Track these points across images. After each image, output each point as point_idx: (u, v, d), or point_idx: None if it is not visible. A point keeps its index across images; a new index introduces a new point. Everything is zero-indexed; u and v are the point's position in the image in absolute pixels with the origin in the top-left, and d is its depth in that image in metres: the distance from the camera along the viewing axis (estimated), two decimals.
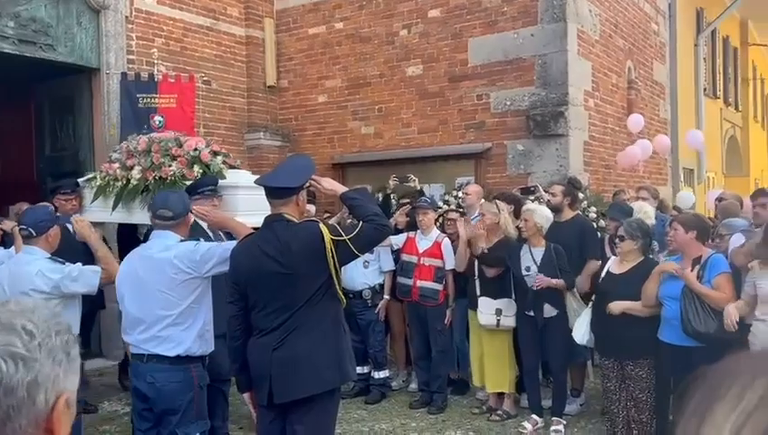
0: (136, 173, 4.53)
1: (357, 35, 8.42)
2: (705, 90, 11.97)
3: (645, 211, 5.62)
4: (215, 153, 4.60)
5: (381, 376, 5.83)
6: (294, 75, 8.95)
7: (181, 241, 3.30)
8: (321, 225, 2.95)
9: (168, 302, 3.19)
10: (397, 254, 5.76)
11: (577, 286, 5.04)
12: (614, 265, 4.49)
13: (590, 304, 4.60)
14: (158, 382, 3.20)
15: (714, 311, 3.98)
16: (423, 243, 5.56)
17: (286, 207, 3.01)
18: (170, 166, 4.44)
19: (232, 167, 4.69)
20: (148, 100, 6.95)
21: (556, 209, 5.31)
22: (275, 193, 3.01)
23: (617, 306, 4.21)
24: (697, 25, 11.79)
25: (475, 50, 7.63)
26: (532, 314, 4.87)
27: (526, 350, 5.04)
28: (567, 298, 4.84)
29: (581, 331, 4.51)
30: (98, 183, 4.75)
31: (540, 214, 4.98)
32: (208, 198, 4.08)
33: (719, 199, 6.21)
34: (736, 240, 4.40)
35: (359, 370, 5.93)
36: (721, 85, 13.79)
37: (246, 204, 4.35)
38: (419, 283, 5.49)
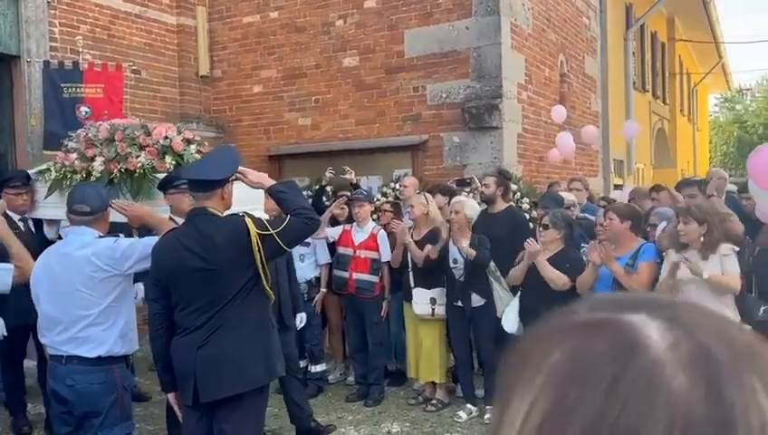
0: (98, 165, 4.08)
1: (292, 25, 8.30)
2: (634, 83, 12.34)
3: (572, 201, 5.78)
4: (188, 141, 4.20)
5: (318, 370, 5.79)
6: (228, 65, 8.76)
7: (100, 237, 3.17)
8: (247, 218, 2.88)
9: (88, 301, 3.06)
10: (333, 246, 5.72)
11: (510, 277, 5.12)
12: None
13: (518, 293, 4.69)
14: (79, 385, 3.07)
15: None
16: (359, 235, 5.54)
17: (210, 201, 2.93)
18: (138, 157, 4.01)
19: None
20: (74, 89, 6.67)
21: (489, 201, 5.37)
22: (199, 186, 2.93)
23: (547, 268, 4.32)
24: (627, 21, 12.14)
25: (412, 42, 7.64)
26: (460, 304, 4.94)
27: (457, 340, 5.12)
28: (494, 287, 4.92)
29: (510, 319, 4.58)
30: (53, 176, 4.30)
31: (469, 206, 5.06)
32: (182, 193, 3.67)
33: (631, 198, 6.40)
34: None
35: (312, 368, 5.90)
36: (650, 79, 14.25)
37: (240, 198, 4.01)
38: (355, 275, 5.47)
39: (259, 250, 2.83)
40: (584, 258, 4.45)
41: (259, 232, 2.83)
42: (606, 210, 4.68)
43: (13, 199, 4.65)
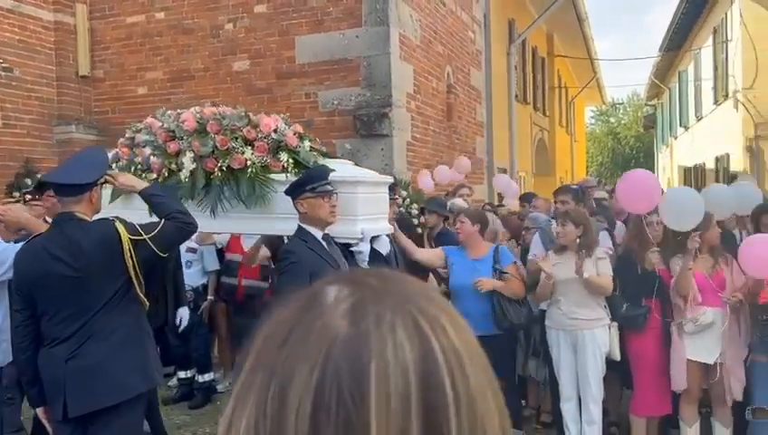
0: (188, 162, 3.42)
1: (179, 26, 8.10)
2: (516, 95, 12.96)
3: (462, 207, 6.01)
4: (300, 136, 3.53)
5: (206, 379, 5.67)
6: (111, 65, 8.41)
7: None
8: (118, 223, 2.80)
9: None
10: (221, 253, 5.63)
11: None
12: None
13: None
14: None
15: (518, 300, 4.39)
16: (248, 241, 5.47)
17: (78, 205, 2.80)
18: (243, 153, 3.37)
19: (324, 155, 3.70)
20: None
21: None
22: (66, 190, 2.80)
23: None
24: (509, 36, 12.75)
25: (303, 48, 7.66)
26: None
27: None
28: None
29: None
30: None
31: None
32: (322, 197, 3.20)
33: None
34: (536, 238, 4.84)
35: (182, 374, 5.75)
36: (531, 92, 15.02)
37: (366, 205, 3.52)
38: (245, 281, 5.41)
39: (131, 256, 2.74)
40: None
41: (131, 237, 2.74)
42: (457, 214, 4.91)
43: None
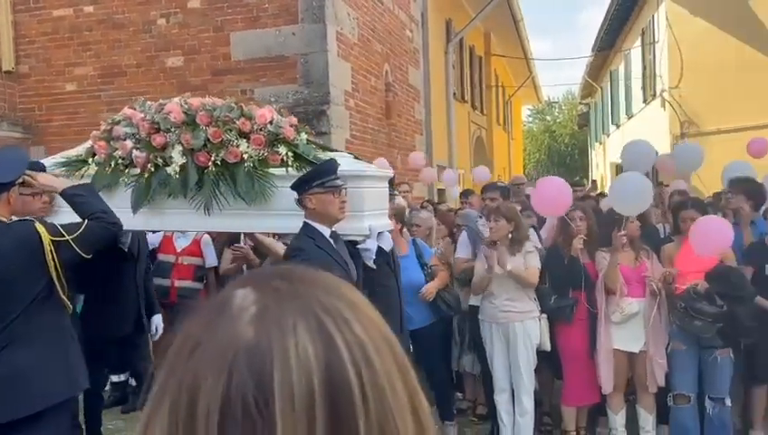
0: (177, 155, 3.18)
1: (110, 21, 7.87)
2: (454, 94, 13.13)
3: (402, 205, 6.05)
4: (296, 128, 3.34)
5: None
6: (37, 60, 8.10)
7: None
8: (38, 224, 2.71)
9: None
10: (153, 254, 5.50)
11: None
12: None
13: None
14: None
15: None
16: (181, 241, 5.38)
17: None
18: (238, 146, 3.17)
19: (323, 148, 3.51)
20: None
21: None
22: None
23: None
24: (447, 35, 12.90)
25: (238, 44, 7.56)
26: None
27: None
28: None
29: None
30: (91, 170, 3.35)
31: None
32: (332, 192, 3.04)
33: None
34: (463, 236, 4.94)
35: (114, 378, 5.60)
36: (469, 90, 15.24)
37: (373, 200, 3.35)
38: (178, 283, 5.31)
39: (53, 258, 2.66)
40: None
41: (52, 238, 2.66)
42: None
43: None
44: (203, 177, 3.21)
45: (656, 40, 14.17)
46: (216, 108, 3.29)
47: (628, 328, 4.30)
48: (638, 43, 15.94)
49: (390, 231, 3.77)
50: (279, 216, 3.27)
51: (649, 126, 15.02)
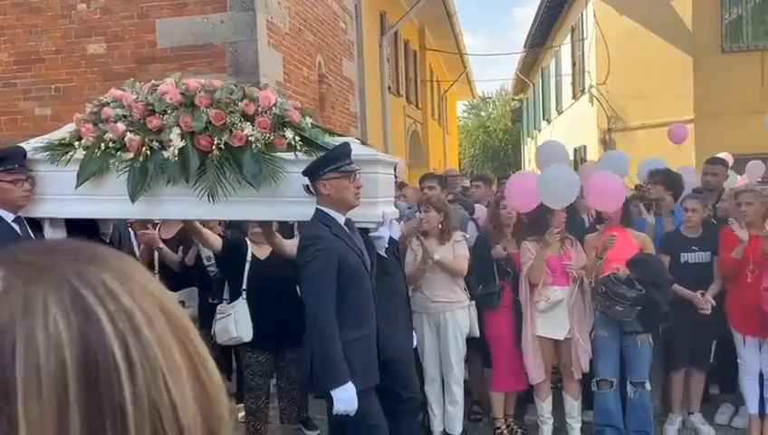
0: (176, 138, 2.99)
1: (26, 5, 7.48)
2: (389, 87, 13.14)
3: None
4: (301, 111, 3.21)
5: None
6: None
7: None
8: None
9: None
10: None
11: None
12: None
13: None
14: None
15: None
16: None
17: None
18: (243, 129, 3.01)
19: (328, 132, 3.36)
20: None
21: None
22: None
23: None
24: (381, 28, 12.88)
25: (164, 32, 7.32)
26: (216, 301, 4.84)
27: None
28: None
29: (247, 327, 4.10)
30: (79, 155, 3.11)
31: None
32: (347, 177, 2.92)
33: None
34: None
35: None
36: (404, 84, 15.28)
37: (385, 186, 3.23)
38: None
39: None
40: None
41: None
42: None
43: (7, 190, 3.14)
44: (205, 161, 3.04)
45: (584, 37, 14.56)
46: (216, 89, 3.14)
47: (554, 316, 4.37)
48: (568, 39, 16.35)
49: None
50: (288, 202, 3.15)
51: (578, 121, 15.44)
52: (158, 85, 3.26)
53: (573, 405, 4.54)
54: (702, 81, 11.61)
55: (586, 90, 14.46)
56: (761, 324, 4.32)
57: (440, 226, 4.39)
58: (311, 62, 9.02)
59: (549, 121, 20.36)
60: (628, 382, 4.39)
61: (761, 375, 4.45)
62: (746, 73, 11.34)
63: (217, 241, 4.08)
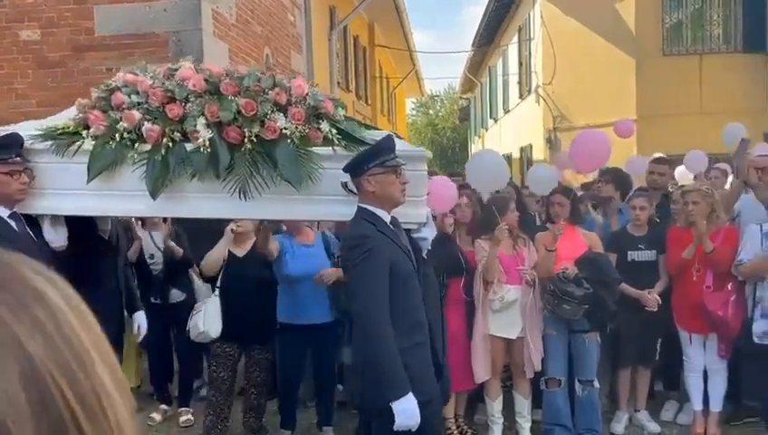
0: (202, 129, 2.72)
1: None
2: (339, 83, 12.99)
3: None
4: (334, 102, 2.96)
5: None
6: None
7: None
8: None
9: None
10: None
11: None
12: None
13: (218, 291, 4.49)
14: None
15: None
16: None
17: None
18: (276, 120, 2.75)
19: (366, 126, 3.14)
20: None
21: None
22: None
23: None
24: (331, 22, 12.72)
25: (103, 19, 7.00)
26: (158, 301, 4.66)
27: (155, 339, 4.79)
28: (194, 280, 4.74)
29: (215, 323, 4.07)
30: (89, 145, 2.82)
31: None
32: (393, 172, 2.71)
33: None
34: None
35: None
36: (353, 80, 15.15)
37: (427, 186, 3.06)
38: None
39: None
40: None
41: None
42: None
43: (3, 183, 2.87)
44: (235, 155, 2.79)
45: (531, 37, 14.72)
46: (244, 76, 2.89)
47: (507, 315, 4.34)
48: (516, 39, 16.51)
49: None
50: (327, 201, 2.94)
51: (525, 120, 15.62)
52: (175, 70, 2.99)
53: (524, 404, 4.51)
54: (644, 82, 11.89)
55: (533, 89, 14.64)
56: (705, 322, 4.38)
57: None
58: (258, 54, 8.80)
59: (496, 120, 20.56)
60: (576, 381, 4.39)
61: (704, 372, 4.53)
62: (686, 76, 11.67)
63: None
